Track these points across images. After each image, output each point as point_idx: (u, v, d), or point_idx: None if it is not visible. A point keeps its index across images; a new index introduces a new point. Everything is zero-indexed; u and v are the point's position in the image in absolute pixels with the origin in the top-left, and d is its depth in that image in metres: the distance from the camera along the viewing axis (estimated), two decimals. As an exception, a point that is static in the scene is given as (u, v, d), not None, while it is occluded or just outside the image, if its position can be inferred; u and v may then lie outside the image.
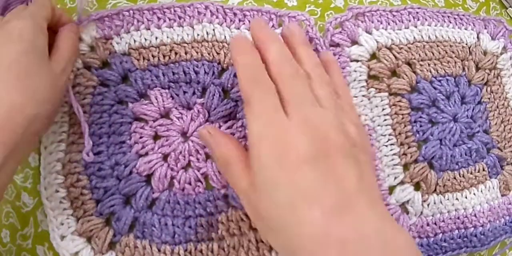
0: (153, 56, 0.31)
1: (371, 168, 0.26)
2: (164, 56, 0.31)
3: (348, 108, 0.28)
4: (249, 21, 0.32)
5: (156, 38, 0.32)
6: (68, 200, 0.29)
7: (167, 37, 0.32)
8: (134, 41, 0.32)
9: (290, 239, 0.22)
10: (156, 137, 0.31)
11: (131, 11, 0.32)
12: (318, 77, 0.27)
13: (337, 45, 0.34)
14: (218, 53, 0.32)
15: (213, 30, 0.32)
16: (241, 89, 0.25)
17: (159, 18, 0.32)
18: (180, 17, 0.32)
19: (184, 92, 0.31)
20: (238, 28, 0.32)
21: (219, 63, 0.32)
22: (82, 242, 0.29)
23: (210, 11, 0.32)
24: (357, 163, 0.24)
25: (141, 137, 0.30)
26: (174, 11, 0.32)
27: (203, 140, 0.28)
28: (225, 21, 0.32)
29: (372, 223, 0.22)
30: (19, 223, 0.31)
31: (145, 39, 0.32)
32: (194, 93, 0.31)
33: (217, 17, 0.32)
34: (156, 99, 0.31)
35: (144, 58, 0.31)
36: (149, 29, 0.32)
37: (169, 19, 0.32)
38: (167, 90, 0.31)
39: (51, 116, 0.29)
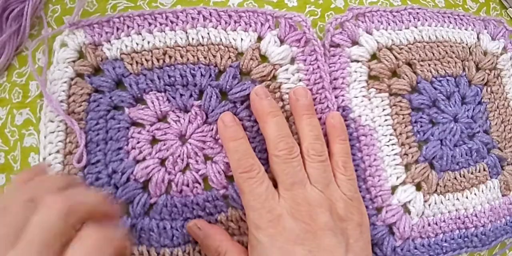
0: (146, 60, 0.31)
1: (361, 234, 0.28)
2: (158, 60, 0.31)
3: (342, 180, 0.29)
4: (245, 22, 0.32)
5: (148, 42, 0.31)
6: None
7: (159, 41, 0.31)
8: (126, 46, 0.31)
9: None
10: (153, 141, 0.31)
11: (121, 18, 0.31)
12: (313, 155, 0.29)
13: (338, 45, 0.34)
14: (214, 56, 0.31)
15: (208, 33, 0.32)
16: (234, 178, 0.28)
17: (150, 23, 0.32)
18: (172, 22, 0.32)
19: (181, 95, 0.31)
20: (235, 30, 0.32)
21: (215, 66, 0.31)
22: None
23: (203, 16, 0.32)
24: (344, 237, 0.27)
25: (138, 142, 0.30)
26: (166, 16, 0.32)
27: (191, 234, 0.29)
28: (220, 24, 0.32)
29: None
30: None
31: (137, 44, 0.31)
32: (191, 95, 0.31)
33: (210, 21, 0.32)
34: (153, 103, 0.31)
35: (137, 63, 0.31)
36: (140, 34, 0.32)
37: (160, 24, 0.32)
38: (163, 94, 0.31)
39: None
